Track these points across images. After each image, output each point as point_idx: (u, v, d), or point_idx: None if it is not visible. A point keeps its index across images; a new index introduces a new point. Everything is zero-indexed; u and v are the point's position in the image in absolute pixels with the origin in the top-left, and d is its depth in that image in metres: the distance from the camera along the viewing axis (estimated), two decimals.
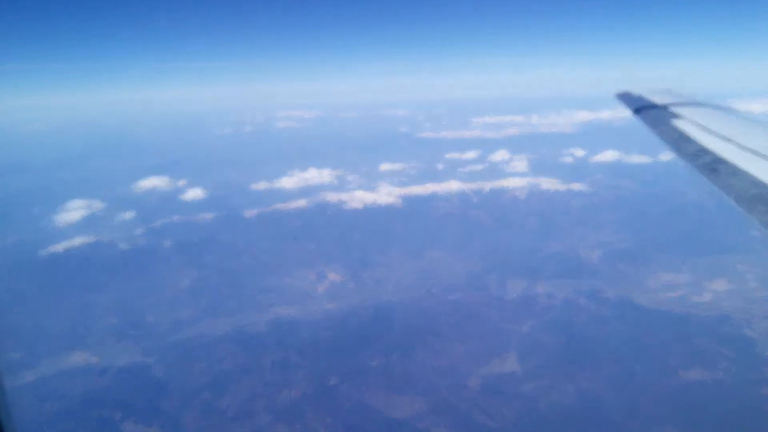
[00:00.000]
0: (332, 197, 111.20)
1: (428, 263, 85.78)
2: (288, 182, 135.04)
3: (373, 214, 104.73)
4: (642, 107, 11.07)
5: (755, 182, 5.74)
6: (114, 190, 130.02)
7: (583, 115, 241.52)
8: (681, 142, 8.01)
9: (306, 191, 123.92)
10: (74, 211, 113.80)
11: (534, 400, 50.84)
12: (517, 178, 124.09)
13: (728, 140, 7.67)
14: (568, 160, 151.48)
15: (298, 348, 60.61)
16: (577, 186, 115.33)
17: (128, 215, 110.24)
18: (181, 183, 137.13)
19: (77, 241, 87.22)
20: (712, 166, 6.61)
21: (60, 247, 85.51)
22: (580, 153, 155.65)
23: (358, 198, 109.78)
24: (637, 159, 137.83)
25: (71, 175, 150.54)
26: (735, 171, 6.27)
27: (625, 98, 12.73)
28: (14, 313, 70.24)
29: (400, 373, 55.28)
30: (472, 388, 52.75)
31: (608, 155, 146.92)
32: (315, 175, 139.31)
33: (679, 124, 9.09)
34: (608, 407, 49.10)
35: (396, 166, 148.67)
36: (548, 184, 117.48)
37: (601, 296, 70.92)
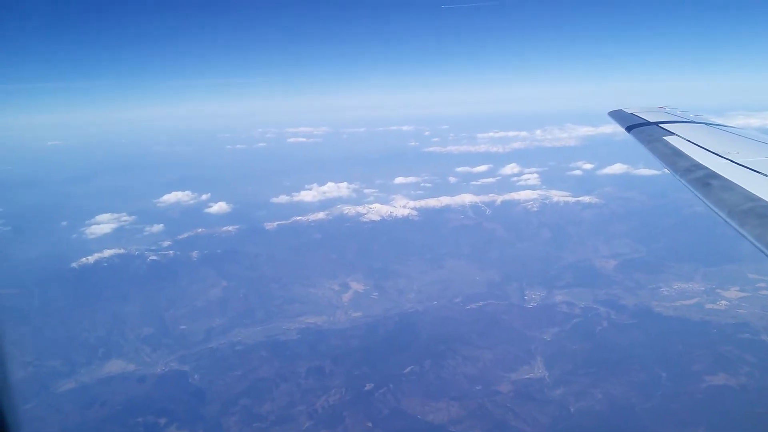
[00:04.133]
0: (350, 210, 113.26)
1: (448, 273, 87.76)
2: (307, 195, 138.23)
3: (390, 225, 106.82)
4: (634, 125, 11.16)
5: (748, 197, 5.68)
6: (139, 204, 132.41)
7: (586, 130, 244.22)
8: (674, 158, 8.06)
9: (325, 204, 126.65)
10: (104, 224, 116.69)
11: (565, 406, 52.54)
12: (528, 190, 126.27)
13: (721, 156, 7.70)
14: (577, 173, 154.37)
15: (331, 356, 62.44)
16: (587, 198, 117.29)
17: (155, 228, 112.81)
18: (204, 197, 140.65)
19: (108, 253, 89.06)
20: (705, 180, 6.59)
21: (91, 259, 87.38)
22: (587, 166, 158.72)
23: (375, 210, 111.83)
24: (644, 171, 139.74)
25: (94, 190, 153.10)
26: (728, 185, 6.22)
27: (617, 116, 12.86)
28: (50, 323, 71.88)
29: (433, 380, 57.04)
30: (505, 394, 54.48)
31: (616, 168, 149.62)
32: (333, 189, 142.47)
33: (671, 140, 9.14)
34: (638, 412, 50.82)
35: (409, 180, 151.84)
36: (559, 196, 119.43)
37: (619, 304, 72.95)
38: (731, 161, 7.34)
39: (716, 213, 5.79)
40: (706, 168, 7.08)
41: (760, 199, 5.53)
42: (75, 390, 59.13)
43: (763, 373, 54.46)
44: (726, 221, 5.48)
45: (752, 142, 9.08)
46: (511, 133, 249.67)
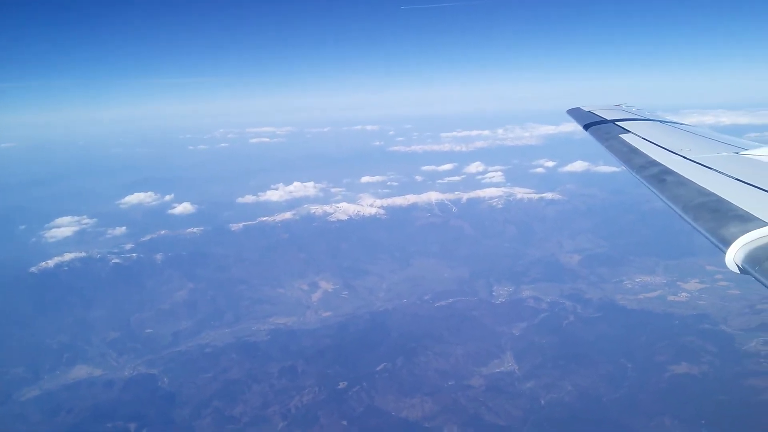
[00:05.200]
0: (317, 209, 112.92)
1: (416, 271, 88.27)
2: (274, 195, 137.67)
3: (358, 224, 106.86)
4: (592, 123, 11.16)
5: (701, 192, 5.81)
6: (100, 207, 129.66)
7: (546, 129, 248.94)
8: (630, 155, 8.16)
9: (291, 204, 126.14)
10: (64, 227, 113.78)
11: (536, 398, 53.35)
12: (493, 188, 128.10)
13: (675, 152, 7.86)
14: (540, 170, 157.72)
15: (303, 355, 62.11)
16: (550, 195, 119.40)
17: (118, 231, 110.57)
18: (168, 198, 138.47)
19: (68, 256, 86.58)
20: (660, 177, 6.71)
21: (51, 263, 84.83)
22: (549, 164, 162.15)
23: (343, 209, 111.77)
24: (604, 168, 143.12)
25: (53, 193, 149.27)
26: (682, 181, 6.34)
27: (575, 114, 12.87)
28: (10, 330, 69.77)
29: (406, 376, 57.28)
30: (477, 388, 55.11)
31: (577, 165, 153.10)
32: (299, 188, 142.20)
33: (627, 138, 9.24)
34: (606, 403, 51.93)
35: (376, 179, 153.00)
36: (523, 193, 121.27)
37: (585, 298, 74.46)
38: (685, 158, 7.50)
39: (671, 208, 5.88)
40: (661, 165, 7.22)
41: (712, 194, 5.65)
42: (40, 397, 57.50)
43: (723, 362, 56.38)
44: (681, 216, 5.57)
45: (704, 139, 9.27)
46: (474, 132, 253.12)
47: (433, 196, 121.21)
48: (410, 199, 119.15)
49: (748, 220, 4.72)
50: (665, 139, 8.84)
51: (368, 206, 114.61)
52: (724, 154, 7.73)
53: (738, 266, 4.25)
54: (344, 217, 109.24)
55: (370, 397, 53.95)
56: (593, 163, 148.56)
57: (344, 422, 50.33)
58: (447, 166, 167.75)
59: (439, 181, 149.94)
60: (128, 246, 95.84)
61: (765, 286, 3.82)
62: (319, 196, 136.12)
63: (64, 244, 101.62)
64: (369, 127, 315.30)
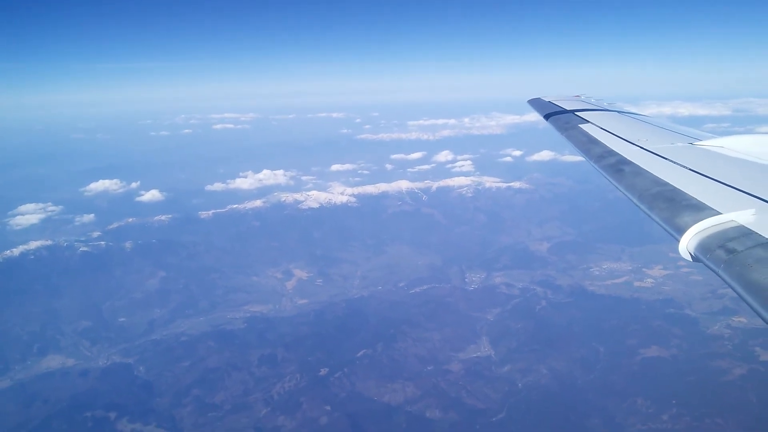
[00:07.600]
0: (288, 197, 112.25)
1: (390, 258, 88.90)
2: (243, 183, 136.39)
3: (329, 212, 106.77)
4: (552, 113, 11.30)
5: (656, 181, 5.91)
6: (64, 194, 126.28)
7: (511, 118, 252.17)
8: (588, 145, 8.26)
9: (262, 192, 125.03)
10: (29, 214, 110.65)
11: (513, 382, 54.66)
12: (463, 177, 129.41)
13: (632, 143, 7.97)
14: (507, 159, 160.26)
15: (282, 343, 62.10)
16: (517, 184, 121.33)
17: (86, 218, 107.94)
18: (134, 185, 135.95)
19: (34, 245, 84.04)
20: (618, 167, 6.82)
21: (16, 251, 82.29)
22: (516, 153, 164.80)
23: (314, 197, 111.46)
24: (570, 158, 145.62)
25: (13, 180, 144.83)
26: (638, 171, 6.47)
27: (536, 104, 13.00)
28: None
29: (387, 362, 57.92)
30: (456, 373, 56.13)
31: (543, 155, 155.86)
32: (269, 176, 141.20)
33: (586, 128, 9.35)
34: (581, 385, 53.52)
35: (346, 167, 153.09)
36: (491, 182, 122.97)
37: (555, 284, 76.23)
38: (642, 148, 7.64)
39: (628, 197, 5.98)
40: (618, 155, 7.37)
41: (667, 184, 5.78)
42: (12, 388, 56.15)
43: (690, 344, 58.64)
44: (637, 205, 5.66)
45: (661, 129, 9.46)
46: (440, 121, 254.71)
47: (404, 184, 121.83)
48: (381, 187, 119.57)
49: (700, 210, 4.89)
50: (623, 130, 9.03)
51: (339, 194, 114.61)
52: (680, 144, 7.95)
53: (691, 254, 4.40)
54: (316, 205, 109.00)
55: (351, 382, 54.43)
56: (559, 153, 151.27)
57: (327, 407, 50.70)
58: (416, 155, 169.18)
59: (409, 169, 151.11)
60: (96, 234, 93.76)
61: (716, 273, 3.91)
62: (290, 184, 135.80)
63: (29, 232, 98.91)
64: (335, 115, 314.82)
